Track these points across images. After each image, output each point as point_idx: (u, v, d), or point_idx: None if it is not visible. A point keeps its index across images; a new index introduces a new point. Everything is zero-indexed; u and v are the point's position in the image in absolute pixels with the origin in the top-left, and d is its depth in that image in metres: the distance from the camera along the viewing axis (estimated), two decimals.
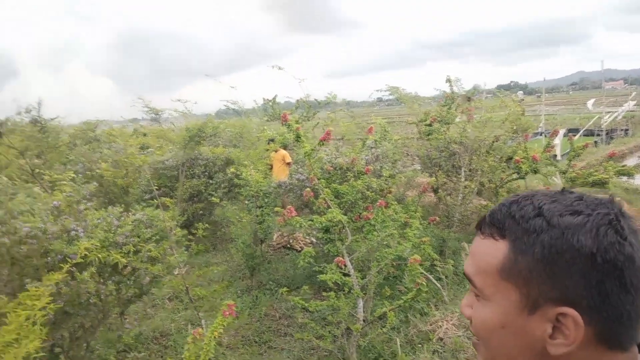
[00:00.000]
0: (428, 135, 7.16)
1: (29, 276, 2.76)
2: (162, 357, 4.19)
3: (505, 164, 6.74)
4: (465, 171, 6.49)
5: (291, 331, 4.59)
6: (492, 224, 0.64)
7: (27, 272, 2.76)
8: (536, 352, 0.60)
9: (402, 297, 3.66)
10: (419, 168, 8.37)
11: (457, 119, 8.52)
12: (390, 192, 5.40)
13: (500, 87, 15.83)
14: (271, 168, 7.48)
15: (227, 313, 2.91)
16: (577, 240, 0.57)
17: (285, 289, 3.88)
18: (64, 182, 4.02)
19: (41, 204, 3.30)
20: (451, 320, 4.36)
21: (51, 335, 2.84)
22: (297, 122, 5.21)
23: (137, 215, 3.56)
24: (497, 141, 6.79)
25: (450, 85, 8.05)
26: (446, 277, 5.15)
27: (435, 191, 7.83)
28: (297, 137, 5.28)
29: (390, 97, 9.80)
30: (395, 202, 5.14)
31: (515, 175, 6.62)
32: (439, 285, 5.04)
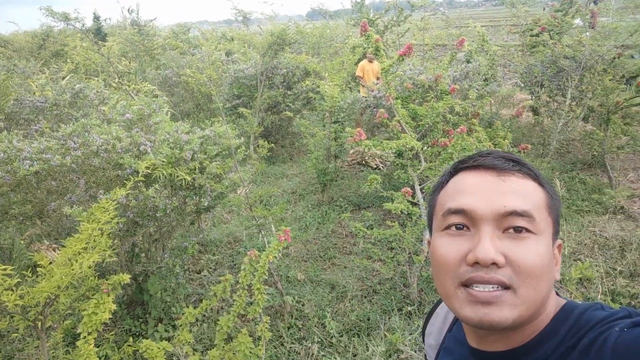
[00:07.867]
0: (533, 47, 6.18)
1: (104, 187, 2.97)
2: (232, 261, 4.51)
3: (625, 84, 5.69)
4: (572, 92, 5.60)
5: (356, 250, 4.64)
6: (525, 169, 0.69)
7: (102, 183, 2.96)
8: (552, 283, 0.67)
9: None
10: (520, 85, 7.45)
11: (577, 22, 7.24)
12: (477, 116, 4.86)
13: None
14: (361, 78, 6.99)
15: (283, 238, 2.96)
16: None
17: (347, 214, 3.81)
18: (144, 92, 4.14)
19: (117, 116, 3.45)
20: None
21: (126, 241, 3.11)
22: (375, 29, 4.73)
23: (205, 131, 3.58)
24: (619, 57, 5.68)
25: None
26: None
27: (535, 112, 6.99)
28: (377, 50, 4.86)
29: None
30: (481, 128, 4.66)
31: (639, 100, 5.59)
32: None
